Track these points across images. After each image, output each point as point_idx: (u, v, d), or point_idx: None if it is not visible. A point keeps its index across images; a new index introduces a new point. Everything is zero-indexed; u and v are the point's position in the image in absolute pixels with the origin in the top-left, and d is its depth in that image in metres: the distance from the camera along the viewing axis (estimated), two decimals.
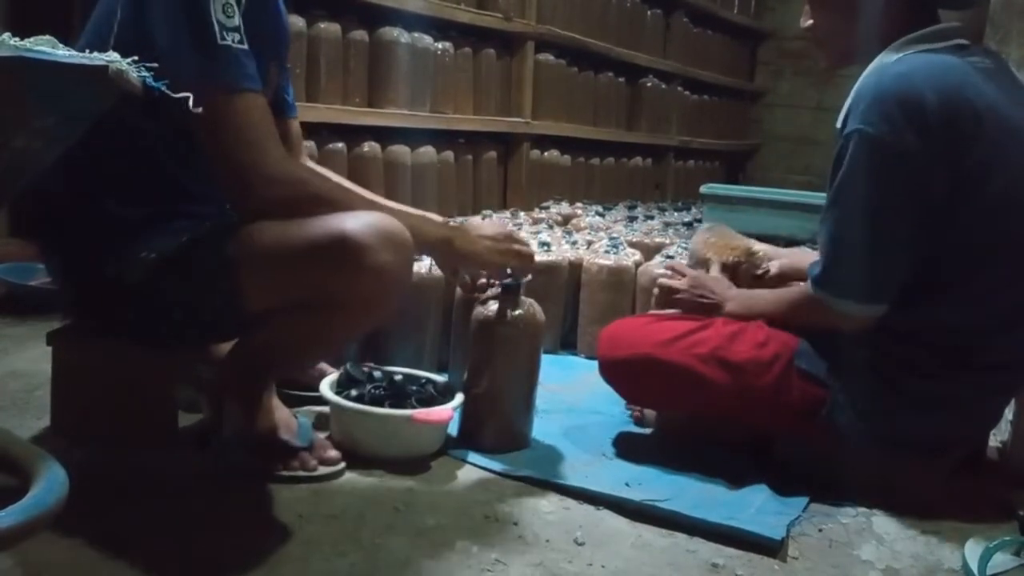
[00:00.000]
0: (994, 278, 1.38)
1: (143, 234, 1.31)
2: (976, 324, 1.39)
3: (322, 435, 1.47)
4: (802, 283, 1.48)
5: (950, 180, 1.34)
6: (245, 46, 1.25)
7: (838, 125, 1.43)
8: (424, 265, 1.87)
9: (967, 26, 1.46)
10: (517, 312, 1.53)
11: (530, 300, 1.57)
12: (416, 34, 3.02)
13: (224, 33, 1.23)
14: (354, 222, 1.24)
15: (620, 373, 1.59)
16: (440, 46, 3.18)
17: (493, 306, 1.54)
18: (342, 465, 1.40)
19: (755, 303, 1.58)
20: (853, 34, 1.49)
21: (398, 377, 1.59)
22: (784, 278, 1.71)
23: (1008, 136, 1.37)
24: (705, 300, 1.62)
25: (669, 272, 1.75)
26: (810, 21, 1.54)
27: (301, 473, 1.36)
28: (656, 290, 1.78)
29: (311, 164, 1.75)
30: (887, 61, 1.41)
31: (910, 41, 1.41)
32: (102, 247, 1.32)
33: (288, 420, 1.43)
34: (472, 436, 1.56)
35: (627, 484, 1.42)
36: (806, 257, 1.76)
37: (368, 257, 1.22)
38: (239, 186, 1.27)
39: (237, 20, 1.24)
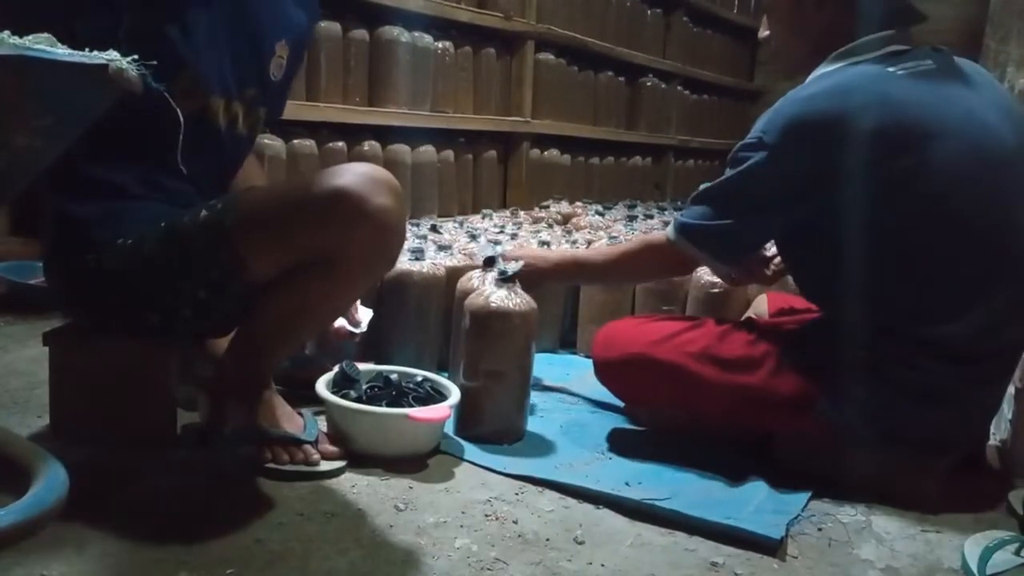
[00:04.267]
0: (965, 273, 1.39)
1: (121, 218, 1.33)
2: (956, 317, 1.39)
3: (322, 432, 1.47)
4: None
5: (871, 188, 1.37)
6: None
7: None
8: (425, 264, 1.87)
9: (907, 32, 1.47)
10: (511, 304, 1.54)
11: (523, 292, 1.58)
12: (416, 33, 3.02)
13: None
14: (348, 173, 1.29)
15: (615, 373, 1.60)
16: (440, 45, 3.18)
17: (486, 297, 1.55)
18: (344, 462, 1.40)
19: (584, 256, 1.74)
20: (798, 48, 1.56)
21: (394, 376, 1.59)
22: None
23: (931, 139, 1.36)
24: (528, 268, 1.66)
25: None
26: (766, 32, 1.61)
27: (304, 467, 1.36)
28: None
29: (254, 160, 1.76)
30: (814, 76, 1.49)
31: (840, 55, 1.46)
32: (81, 235, 1.34)
33: (291, 415, 1.43)
34: (466, 427, 1.57)
35: (627, 483, 1.42)
36: None
37: (367, 204, 1.26)
38: None
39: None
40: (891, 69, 1.41)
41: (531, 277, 1.67)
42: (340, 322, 1.65)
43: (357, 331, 1.67)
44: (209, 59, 1.38)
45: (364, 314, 1.71)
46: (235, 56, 1.43)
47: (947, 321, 1.40)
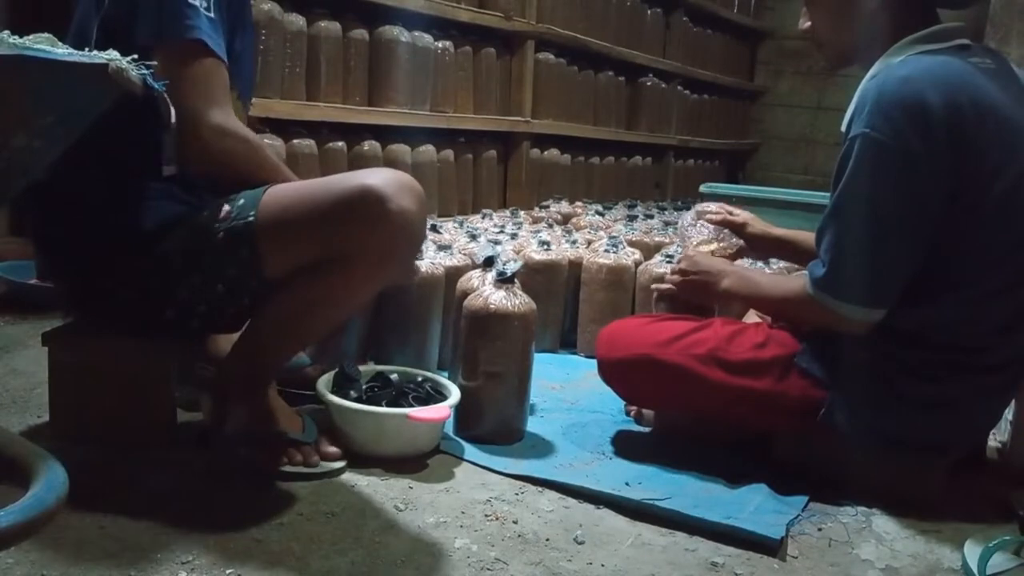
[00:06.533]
0: (996, 280, 1.38)
1: (140, 211, 1.34)
2: (977, 325, 1.39)
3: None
4: (801, 274, 1.48)
5: (954, 183, 1.33)
6: (212, 14, 1.33)
7: (843, 128, 1.43)
8: (424, 264, 1.87)
9: (967, 26, 1.45)
10: (510, 304, 1.54)
11: (522, 292, 1.57)
12: (416, 33, 3.02)
13: None
14: (374, 175, 1.33)
15: (619, 373, 1.59)
16: (440, 45, 3.18)
17: (485, 297, 1.55)
18: (343, 463, 1.40)
19: (753, 284, 1.57)
20: (851, 36, 1.49)
21: (394, 376, 1.59)
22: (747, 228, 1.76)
23: (1012, 137, 1.36)
24: (700, 279, 1.62)
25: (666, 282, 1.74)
26: (808, 23, 1.54)
27: (303, 469, 1.36)
28: (655, 292, 1.78)
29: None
30: (890, 63, 1.40)
31: (912, 42, 1.41)
32: (98, 229, 1.34)
33: (291, 416, 1.44)
34: (465, 427, 1.58)
35: (627, 483, 1.42)
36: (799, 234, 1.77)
37: (390, 204, 1.29)
38: (189, 133, 1.31)
39: None
40: (972, 60, 1.39)
41: (704, 288, 1.63)
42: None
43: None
44: (244, 75, 1.48)
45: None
46: (247, 70, 1.53)
47: (988, 335, 1.39)
